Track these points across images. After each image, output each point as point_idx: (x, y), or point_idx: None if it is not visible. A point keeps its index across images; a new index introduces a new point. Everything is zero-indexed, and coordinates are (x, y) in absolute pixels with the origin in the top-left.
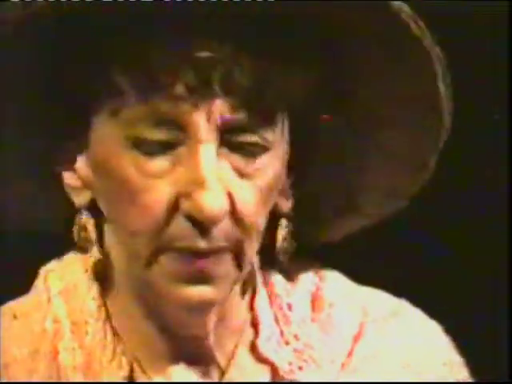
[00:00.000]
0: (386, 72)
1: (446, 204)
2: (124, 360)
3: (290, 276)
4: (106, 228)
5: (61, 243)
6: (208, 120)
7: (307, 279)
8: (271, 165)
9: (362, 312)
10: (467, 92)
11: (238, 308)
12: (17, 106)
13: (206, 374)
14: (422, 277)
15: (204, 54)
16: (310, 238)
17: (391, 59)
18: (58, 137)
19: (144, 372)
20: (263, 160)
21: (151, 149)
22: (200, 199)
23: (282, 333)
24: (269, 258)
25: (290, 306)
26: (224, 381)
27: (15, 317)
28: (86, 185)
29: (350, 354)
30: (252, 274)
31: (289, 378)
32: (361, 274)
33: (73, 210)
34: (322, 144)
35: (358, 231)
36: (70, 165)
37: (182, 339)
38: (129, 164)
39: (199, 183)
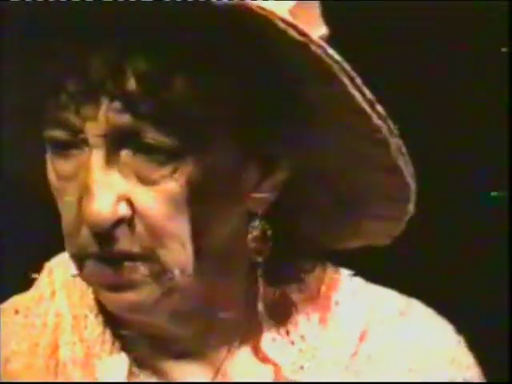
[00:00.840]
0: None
1: (446, 203)
2: (123, 355)
3: (298, 275)
4: None
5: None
6: (95, 125)
7: (316, 278)
8: (184, 173)
9: (369, 311)
10: (467, 92)
11: (234, 307)
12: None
13: (201, 371)
14: (421, 277)
15: (88, 60)
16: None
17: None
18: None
19: (143, 369)
20: (170, 168)
21: (61, 150)
22: (84, 206)
23: (287, 332)
24: (278, 258)
25: (296, 306)
26: (219, 380)
27: (17, 311)
28: None
29: (354, 355)
30: (252, 274)
31: (291, 378)
32: (365, 272)
33: None
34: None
35: None
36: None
37: (175, 337)
38: (50, 167)
39: (86, 190)
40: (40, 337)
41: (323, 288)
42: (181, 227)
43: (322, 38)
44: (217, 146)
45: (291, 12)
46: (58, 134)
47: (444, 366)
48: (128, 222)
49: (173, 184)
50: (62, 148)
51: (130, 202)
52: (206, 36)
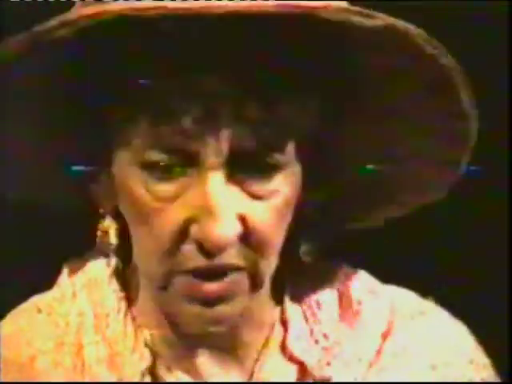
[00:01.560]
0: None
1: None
2: (146, 352)
3: (316, 275)
4: (132, 233)
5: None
6: (215, 149)
7: (334, 278)
8: (285, 184)
9: (389, 310)
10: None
11: (267, 307)
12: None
13: (231, 371)
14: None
15: (211, 87)
16: (342, 226)
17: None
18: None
19: (168, 368)
20: (277, 181)
21: (161, 173)
22: (208, 227)
23: (311, 331)
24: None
25: (318, 304)
26: (253, 380)
27: (39, 311)
28: (109, 194)
29: (378, 352)
30: (280, 274)
31: (317, 374)
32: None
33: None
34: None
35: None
36: (93, 176)
37: (205, 338)
38: (140, 187)
39: (207, 211)
40: (64, 336)
41: (344, 287)
42: (280, 239)
43: None
44: (309, 157)
45: None
46: (166, 157)
47: (464, 366)
48: (240, 237)
49: (280, 197)
50: (163, 171)
51: (244, 219)
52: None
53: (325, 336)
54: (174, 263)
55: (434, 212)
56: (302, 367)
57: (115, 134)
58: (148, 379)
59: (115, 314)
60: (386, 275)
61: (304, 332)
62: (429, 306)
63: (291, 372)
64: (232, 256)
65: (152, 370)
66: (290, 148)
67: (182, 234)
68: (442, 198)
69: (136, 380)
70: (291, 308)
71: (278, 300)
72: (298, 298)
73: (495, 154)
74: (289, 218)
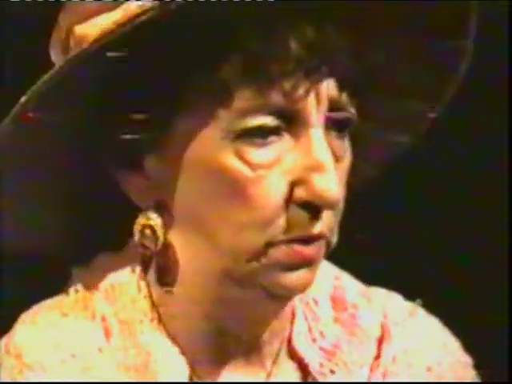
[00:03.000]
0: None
1: (445, 201)
2: (183, 359)
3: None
4: (176, 229)
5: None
6: (317, 104)
7: (324, 278)
8: (348, 146)
9: (382, 314)
10: (467, 92)
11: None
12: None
13: (254, 374)
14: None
15: (309, 41)
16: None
17: None
18: (119, 138)
19: (197, 375)
20: (347, 139)
21: (257, 139)
22: (320, 184)
23: (310, 329)
24: None
25: (316, 302)
26: (270, 381)
27: (65, 314)
28: (155, 185)
29: (377, 357)
30: None
31: (320, 379)
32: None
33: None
34: None
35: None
36: (136, 164)
37: (237, 340)
38: (232, 157)
39: (316, 168)
40: (93, 340)
41: (335, 289)
42: (342, 207)
43: None
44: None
45: None
46: (268, 120)
47: (454, 365)
48: None
49: (349, 159)
50: (258, 137)
51: None
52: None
53: (321, 334)
54: (274, 233)
55: (433, 212)
56: (304, 366)
57: (185, 106)
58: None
59: (149, 322)
60: (377, 276)
61: (304, 329)
62: (414, 307)
63: (295, 371)
64: (324, 224)
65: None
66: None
67: (286, 200)
68: (441, 197)
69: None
70: (296, 305)
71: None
72: (301, 296)
73: (495, 153)
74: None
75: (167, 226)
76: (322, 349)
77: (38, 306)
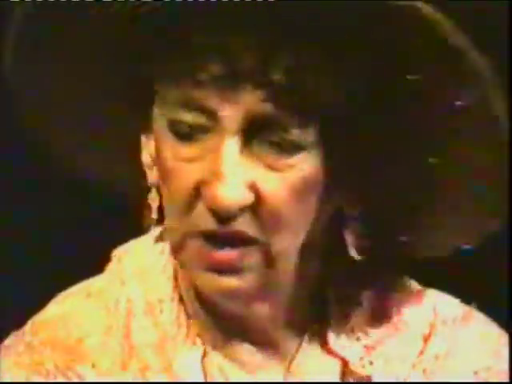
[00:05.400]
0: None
1: None
2: (198, 340)
3: (359, 274)
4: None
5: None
6: (234, 111)
7: (377, 277)
8: (306, 164)
9: (432, 312)
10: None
11: (306, 300)
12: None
13: (273, 359)
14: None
15: (233, 44)
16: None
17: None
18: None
19: (216, 351)
20: (296, 159)
21: (184, 133)
22: (214, 190)
23: (352, 329)
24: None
25: (360, 303)
26: (291, 369)
27: (89, 295)
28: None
29: (420, 354)
30: (316, 270)
31: (359, 371)
32: None
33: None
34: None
35: None
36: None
37: (245, 323)
38: (166, 147)
39: (216, 175)
40: (113, 320)
41: (386, 287)
42: (296, 217)
43: None
44: (335, 144)
45: None
46: (189, 116)
47: (504, 372)
48: (251, 206)
49: (299, 174)
50: (187, 131)
51: (255, 188)
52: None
53: (366, 333)
54: (188, 224)
55: None
56: (344, 363)
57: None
58: (198, 367)
59: (170, 301)
60: None
61: (345, 329)
62: (472, 313)
63: (333, 366)
64: (244, 224)
65: (203, 355)
66: (312, 128)
67: (194, 195)
68: None
69: (185, 367)
70: (331, 304)
71: (319, 295)
72: (340, 296)
73: None
74: (311, 203)
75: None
76: (365, 346)
77: (73, 287)
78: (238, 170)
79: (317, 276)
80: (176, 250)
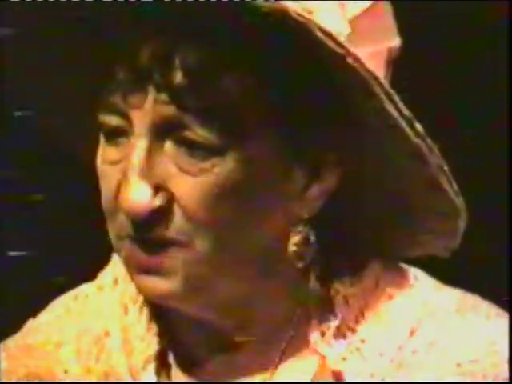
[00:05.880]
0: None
1: None
2: (154, 340)
3: (351, 271)
4: None
5: None
6: (141, 114)
7: (371, 273)
8: (221, 169)
9: (421, 306)
10: (466, 92)
11: (278, 304)
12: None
13: (255, 365)
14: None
15: (134, 48)
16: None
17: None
18: None
19: (179, 360)
20: (210, 163)
21: (109, 135)
22: (121, 193)
23: (338, 327)
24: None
25: (347, 300)
26: (276, 373)
27: (76, 298)
28: None
29: (400, 348)
30: (303, 272)
31: (333, 368)
32: None
33: None
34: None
35: None
36: None
37: (213, 328)
38: (100, 147)
39: (124, 177)
40: (92, 324)
41: (377, 281)
42: (218, 220)
43: (391, 48)
44: (261, 146)
45: (356, 18)
46: (109, 119)
47: (496, 363)
48: (165, 209)
49: (212, 178)
50: (113, 135)
51: (167, 190)
52: (253, 35)
53: (353, 331)
54: (115, 228)
55: None
56: (323, 361)
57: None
58: (151, 368)
59: (133, 304)
60: None
61: (330, 327)
62: (468, 303)
63: (312, 365)
64: (161, 227)
65: (161, 359)
66: (222, 130)
67: (116, 200)
68: None
69: (139, 368)
70: (316, 304)
71: (305, 297)
72: (325, 294)
73: (495, 153)
74: (232, 207)
75: None
76: (349, 343)
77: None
78: (145, 172)
79: (292, 278)
80: (116, 251)
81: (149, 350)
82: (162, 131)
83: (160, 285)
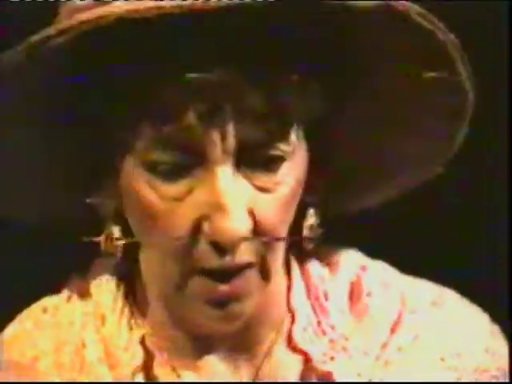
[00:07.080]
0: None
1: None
2: (138, 350)
3: (331, 265)
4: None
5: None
6: (222, 143)
7: (348, 269)
8: (291, 174)
9: (401, 302)
10: None
11: (278, 302)
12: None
13: (237, 368)
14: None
15: (212, 81)
16: (338, 209)
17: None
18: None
19: (173, 368)
20: (282, 171)
21: (167, 172)
22: (220, 224)
23: (319, 323)
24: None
25: (326, 296)
26: (258, 376)
27: (45, 311)
28: (113, 197)
29: (384, 346)
30: (288, 267)
31: (320, 368)
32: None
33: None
34: (349, 124)
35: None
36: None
37: (217, 339)
38: (146, 187)
39: (218, 206)
40: (67, 335)
41: (357, 279)
42: (286, 228)
43: None
44: (301, 145)
45: None
46: (170, 156)
47: (478, 354)
48: (251, 232)
49: (286, 189)
50: (168, 171)
51: (252, 212)
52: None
53: (333, 328)
54: (189, 263)
55: (435, 206)
56: (307, 359)
57: (118, 139)
58: (140, 378)
59: (110, 313)
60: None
61: (311, 323)
62: (444, 296)
63: (296, 364)
64: (243, 253)
65: (147, 370)
66: (294, 136)
67: (195, 233)
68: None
69: (128, 379)
70: (298, 298)
71: (287, 292)
72: (306, 290)
73: (495, 153)
74: (294, 207)
75: (129, 234)
76: (331, 340)
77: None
78: (237, 198)
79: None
80: (176, 290)
81: (134, 361)
82: (240, 154)
83: (234, 311)
